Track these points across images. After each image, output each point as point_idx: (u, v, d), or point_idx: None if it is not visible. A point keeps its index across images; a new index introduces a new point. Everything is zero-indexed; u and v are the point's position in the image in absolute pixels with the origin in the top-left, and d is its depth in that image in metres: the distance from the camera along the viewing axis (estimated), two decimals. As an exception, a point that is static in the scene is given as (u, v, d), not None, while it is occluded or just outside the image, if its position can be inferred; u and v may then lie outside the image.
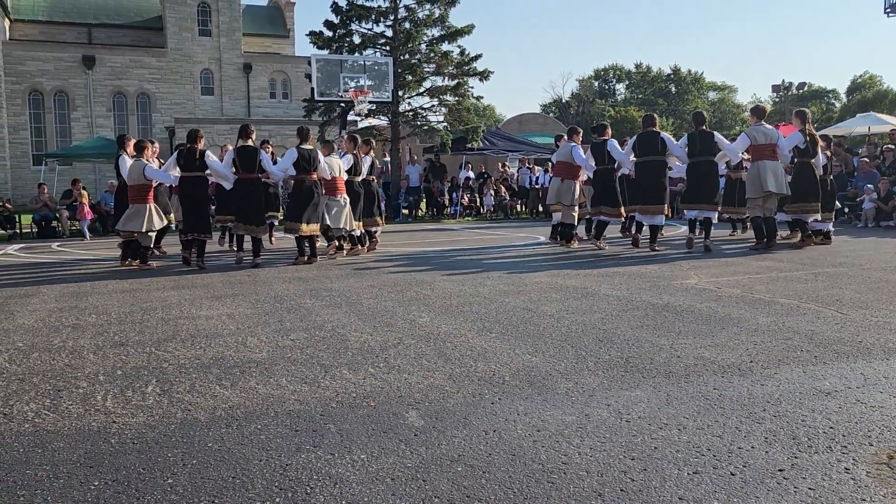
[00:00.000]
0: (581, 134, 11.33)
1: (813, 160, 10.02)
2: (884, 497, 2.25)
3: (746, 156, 10.51)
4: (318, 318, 5.45)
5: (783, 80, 45.37)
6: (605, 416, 3.06)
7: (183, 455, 2.69)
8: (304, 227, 9.16)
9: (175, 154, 9.20)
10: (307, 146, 9.31)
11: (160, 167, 9.53)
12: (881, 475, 2.42)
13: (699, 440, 2.76)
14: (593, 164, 10.69)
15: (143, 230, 9.03)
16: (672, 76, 75.12)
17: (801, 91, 51.23)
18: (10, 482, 2.48)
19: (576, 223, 10.99)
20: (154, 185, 9.28)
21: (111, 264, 9.76)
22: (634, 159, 10.30)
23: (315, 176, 9.27)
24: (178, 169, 9.11)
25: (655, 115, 10.73)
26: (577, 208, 10.81)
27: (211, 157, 9.19)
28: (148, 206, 9.11)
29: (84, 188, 17.26)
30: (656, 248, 10.02)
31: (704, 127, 10.14)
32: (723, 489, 2.32)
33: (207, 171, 9.06)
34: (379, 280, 7.54)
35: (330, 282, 7.49)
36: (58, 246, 13.78)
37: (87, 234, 15.74)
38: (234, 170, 9.07)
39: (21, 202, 20.87)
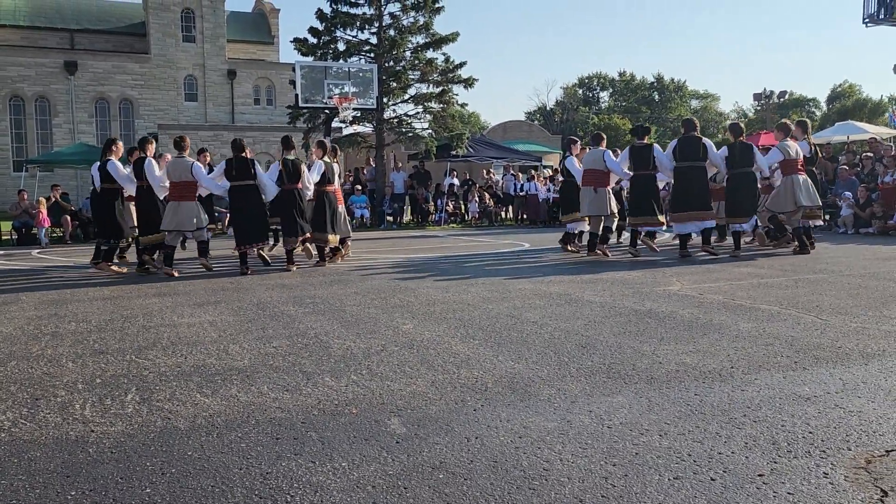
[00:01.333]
0: (604, 140, 11.01)
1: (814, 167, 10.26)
2: (861, 501, 2.27)
3: (772, 170, 10.45)
4: (301, 325, 5.43)
5: (765, 89, 45.86)
6: (586, 423, 3.06)
7: (162, 464, 2.67)
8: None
9: (224, 164, 9.29)
10: (291, 157, 9.43)
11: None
12: (859, 480, 2.44)
13: (680, 446, 2.77)
14: (626, 169, 10.25)
15: (195, 228, 9.08)
16: (655, 84, 75.75)
17: (782, 100, 51.71)
18: (-15, 492, 2.44)
19: (611, 232, 10.71)
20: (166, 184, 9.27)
21: (92, 272, 9.66)
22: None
23: (299, 185, 9.35)
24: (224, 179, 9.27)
25: (695, 119, 10.66)
26: (613, 217, 10.51)
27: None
28: (195, 203, 9.12)
29: (61, 196, 17.13)
30: (711, 249, 9.88)
31: (742, 138, 10.09)
32: (703, 494, 2.33)
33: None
34: (363, 287, 7.52)
35: (314, 289, 7.46)
36: (38, 253, 13.63)
37: (44, 241, 15.57)
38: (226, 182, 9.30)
39: (0, 209, 20.64)
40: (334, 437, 2.93)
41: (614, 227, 11.07)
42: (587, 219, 10.57)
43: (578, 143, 11.55)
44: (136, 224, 9.56)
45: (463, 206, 22.21)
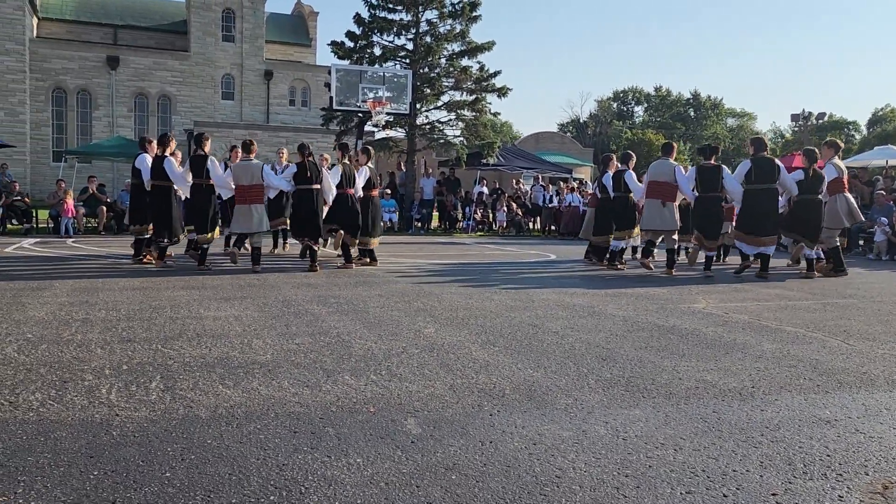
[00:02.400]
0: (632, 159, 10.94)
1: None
2: (875, 526, 2.25)
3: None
4: (324, 324, 5.49)
5: (803, 110, 45.18)
6: (601, 433, 3.07)
7: (182, 450, 2.73)
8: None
9: (296, 167, 9.46)
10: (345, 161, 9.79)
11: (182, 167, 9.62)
12: (875, 504, 2.41)
13: (694, 461, 2.77)
14: (692, 188, 9.90)
15: (261, 230, 9.23)
16: (691, 101, 75.13)
17: (820, 121, 50.98)
18: (12, 468, 2.52)
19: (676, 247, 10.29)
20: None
21: (123, 261, 9.85)
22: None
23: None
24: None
25: (765, 139, 10.47)
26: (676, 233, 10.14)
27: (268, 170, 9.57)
28: (261, 206, 9.27)
29: (98, 187, 17.49)
30: (766, 275, 9.61)
31: (817, 166, 9.89)
32: (714, 510, 2.33)
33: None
34: (387, 290, 7.58)
35: (338, 289, 7.53)
36: (72, 242, 13.92)
37: (71, 230, 15.87)
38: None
39: (39, 197, 21.14)
40: (351, 433, 2.98)
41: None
42: (644, 232, 10.25)
43: (615, 158, 11.44)
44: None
45: (491, 215, 22.22)
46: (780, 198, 10.01)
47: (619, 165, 10.94)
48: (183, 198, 9.73)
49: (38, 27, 35.57)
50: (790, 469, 2.72)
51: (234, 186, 9.31)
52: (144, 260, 9.65)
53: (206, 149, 9.41)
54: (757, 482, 2.58)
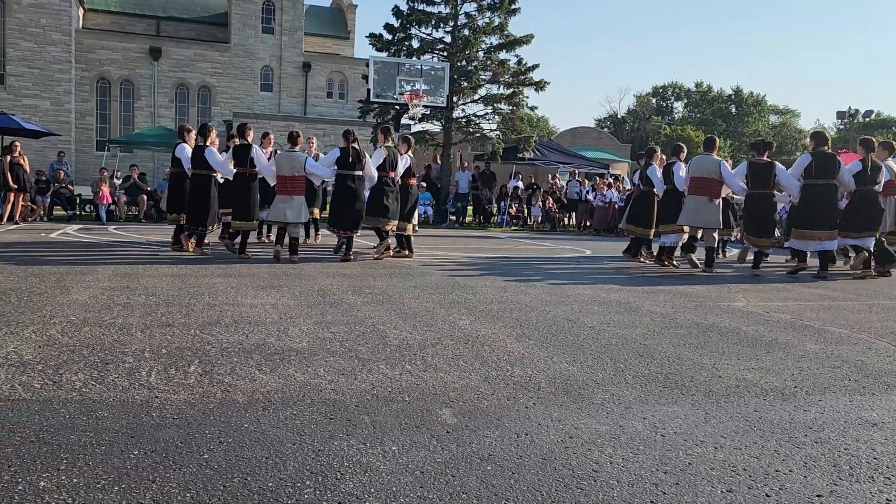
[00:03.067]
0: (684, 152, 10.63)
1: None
2: (926, 532, 2.18)
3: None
4: (360, 313, 5.51)
5: (849, 107, 44.15)
6: (639, 429, 3.02)
7: (220, 433, 2.75)
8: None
9: (339, 152, 9.47)
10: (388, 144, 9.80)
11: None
12: (925, 510, 2.34)
13: (735, 460, 2.71)
14: (742, 184, 9.77)
15: (300, 220, 9.30)
16: (733, 97, 73.82)
17: (867, 119, 49.75)
18: (55, 445, 2.56)
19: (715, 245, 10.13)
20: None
21: (163, 249, 10.02)
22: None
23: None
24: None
25: (827, 133, 10.16)
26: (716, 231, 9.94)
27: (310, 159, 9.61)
28: (301, 197, 9.35)
29: (139, 176, 17.82)
30: (825, 275, 9.43)
31: (874, 156, 9.60)
32: (756, 510, 2.28)
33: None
34: (421, 281, 7.58)
35: (373, 280, 7.56)
36: (114, 228, 14.20)
37: (104, 217, 16.18)
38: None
39: (83, 185, 21.59)
40: (386, 421, 2.97)
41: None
42: (687, 229, 9.98)
43: (659, 151, 11.24)
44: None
45: (526, 210, 22.11)
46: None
47: (662, 158, 10.77)
48: (222, 181, 9.82)
49: (83, 18, 36.29)
50: (835, 471, 2.64)
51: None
52: (182, 248, 9.78)
53: (250, 138, 9.52)
54: (800, 483, 2.51)
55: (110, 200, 16.69)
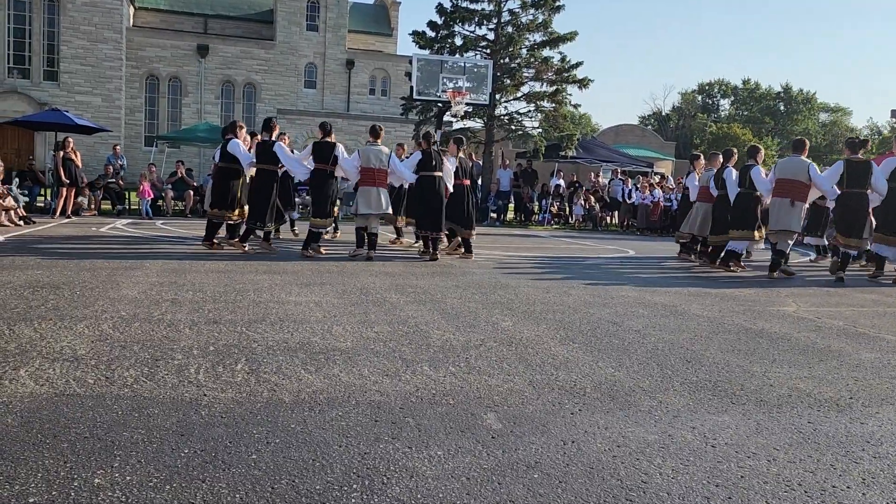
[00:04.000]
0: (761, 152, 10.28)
1: None
2: None
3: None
4: (403, 313, 5.51)
5: (903, 105, 42.71)
6: (689, 439, 2.96)
7: (267, 433, 2.78)
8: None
9: (421, 154, 9.72)
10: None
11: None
12: None
13: (790, 474, 2.63)
14: (833, 186, 9.42)
15: (378, 211, 9.46)
16: (782, 94, 72.11)
17: (922, 118, 48.02)
18: (108, 441, 2.61)
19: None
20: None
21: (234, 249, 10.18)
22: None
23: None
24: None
25: None
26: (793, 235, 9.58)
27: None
28: (385, 190, 9.58)
29: (185, 171, 18.17)
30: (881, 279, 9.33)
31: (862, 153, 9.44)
32: (813, 528, 2.21)
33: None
34: (463, 281, 7.57)
35: (415, 279, 7.57)
36: (162, 224, 14.49)
37: (149, 212, 16.46)
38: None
39: (132, 180, 22.09)
40: (431, 425, 2.97)
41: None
42: (766, 233, 9.68)
43: (721, 155, 10.91)
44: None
45: (567, 208, 21.94)
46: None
47: (719, 161, 10.59)
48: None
49: (133, 17, 37.10)
50: (895, 488, 2.55)
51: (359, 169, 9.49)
52: (214, 246, 9.65)
53: (332, 137, 9.58)
54: (859, 500, 2.43)
55: (152, 195, 17.01)
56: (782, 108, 71.81)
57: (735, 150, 10.86)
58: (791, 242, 9.55)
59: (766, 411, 3.40)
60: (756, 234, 9.83)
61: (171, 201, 17.60)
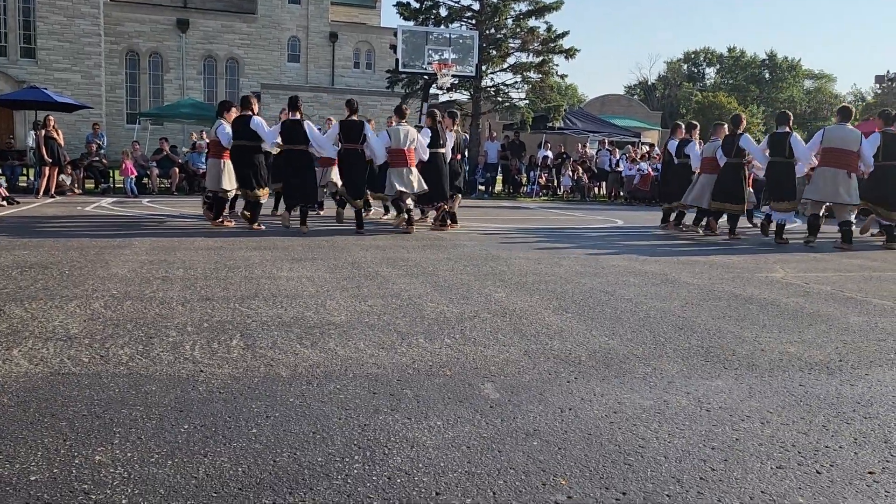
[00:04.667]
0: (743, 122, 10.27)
1: None
2: (984, 511, 2.14)
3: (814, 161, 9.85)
4: (395, 286, 5.52)
5: (888, 71, 42.87)
6: (684, 404, 3.00)
7: (266, 407, 2.79)
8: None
9: (430, 130, 9.74)
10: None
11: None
12: (982, 488, 2.29)
13: (783, 435, 2.68)
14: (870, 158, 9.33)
15: (420, 190, 9.55)
16: (767, 62, 72.00)
17: (906, 83, 48.25)
18: (107, 419, 2.61)
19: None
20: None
21: (195, 221, 10.12)
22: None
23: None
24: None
25: None
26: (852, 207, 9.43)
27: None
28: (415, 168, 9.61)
29: (170, 148, 17.99)
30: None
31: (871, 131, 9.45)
32: (808, 486, 2.25)
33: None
34: (455, 253, 7.57)
35: (406, 252, 7.57)
36: (147, 202, 14.37)
37: (134, 190, 16.28)
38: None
39: (115, 158, 21.82)
40: (429, 396, 2.99)
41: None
42: (814, 203, 9.48)
43: (725, 126, 10.83)
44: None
45: (555, 180, 21.92)
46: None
47: (724, 131, 10.55)
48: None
49: (111, -9, 36.37)
50: (886, 447, 2.60)
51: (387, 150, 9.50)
52: (221, 223, 9.62)
53: (255, 109, 9.46)
54: (851, 459, 2.48)
55: (136, 174, 16.80)
56: (767, 75, 71.76)
57: (743, 116, 10.76)
58: (854, 213, 9.48)
59: (758, 375, 3.45)
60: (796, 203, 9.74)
61: (156, 179, 17.42)
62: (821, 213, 9.55)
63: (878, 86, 54.65)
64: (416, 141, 9.55)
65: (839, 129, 9.36)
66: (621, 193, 20.85)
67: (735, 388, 3.24)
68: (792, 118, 9.69)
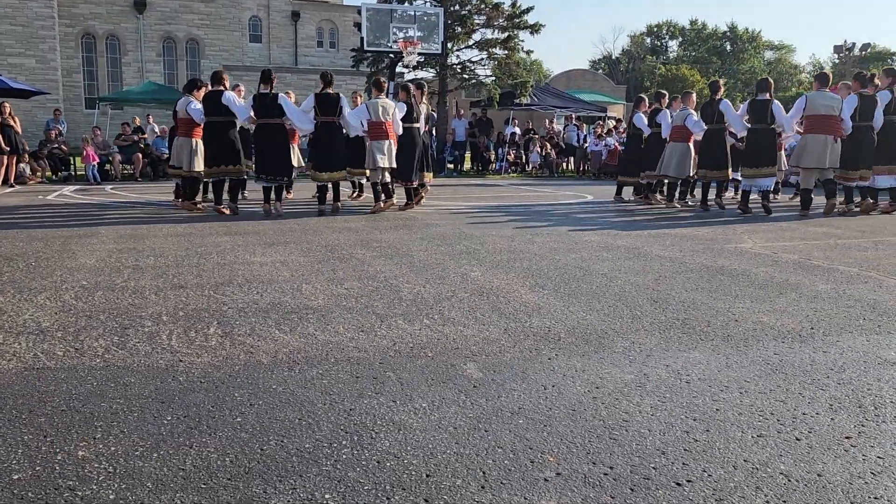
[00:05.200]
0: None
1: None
2: (957, 470, 2.21)
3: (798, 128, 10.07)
4: (371, 268, 5.50)
5: (845, 41, 43.55)
6: (664, 377, 3.04)
7: (249, 395, 2.76)
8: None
9: (405, 106, 9.68)
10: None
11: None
12: (953, 448, 2.37)
13: (762, 404, 2.73)
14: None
15: (392, 165, 9.57)
16: (728, 34, 72.62)
17: (863, 53, 49.07)
18: (87, 413, 2.57)
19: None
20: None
21: (163, 208, 9.95)
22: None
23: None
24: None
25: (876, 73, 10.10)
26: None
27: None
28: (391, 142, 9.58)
29: (137, 129, 17.62)
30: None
31: (869, 89, 9.69)
32: (788, 453, 2.30)
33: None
34: (428, 233, 7.56)
35: (379, 233, 7.53)
36: (111, 189, 14.08)
37: (97, 177, 15.97)
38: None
39: (75, 144, 21.30)
40: (412, 378, 2.99)
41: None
42: (807, 170, 9.63)
43: (693, 95, 11.11)
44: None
45: (524, 156, 21.95)
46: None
47: (693, 100, 10.75)
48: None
49: (63, -28, 35.27)
50: (861, 412, 2.67)
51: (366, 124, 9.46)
52: (196, 207, 9.53)
53: (227, 84, 9.26)
54: (828, 425, 2.54)
55: (97, 160, 16.43)
56: (729, 47, 72.42)
57: (721, 82, 10.86)
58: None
59: (734, 345, 3.51)
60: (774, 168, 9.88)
61: (118, 165, 17.06)
62: (813, 185, 9.75)
63: (836, 56, 55.46)
64: (394, 114, 9.50)
65: (821, 95, 9.47)
66: (588, 168, 20.96)
67: (712, 359, 3.30)
68: (773, 85, 9.75)
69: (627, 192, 12.19)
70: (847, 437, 2.44)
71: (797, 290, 4.83)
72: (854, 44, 44.98)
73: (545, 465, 2.20)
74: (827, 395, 2.84)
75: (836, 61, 58.13)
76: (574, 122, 22.93)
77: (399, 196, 10.39)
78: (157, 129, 18.38)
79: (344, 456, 2.25)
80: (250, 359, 3.22)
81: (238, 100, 9.25)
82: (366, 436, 2.40)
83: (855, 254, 6.38)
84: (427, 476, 2.12)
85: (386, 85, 9.78)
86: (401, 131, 9.71)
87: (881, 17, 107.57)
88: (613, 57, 73.30)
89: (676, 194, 11.07)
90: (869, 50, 56.41)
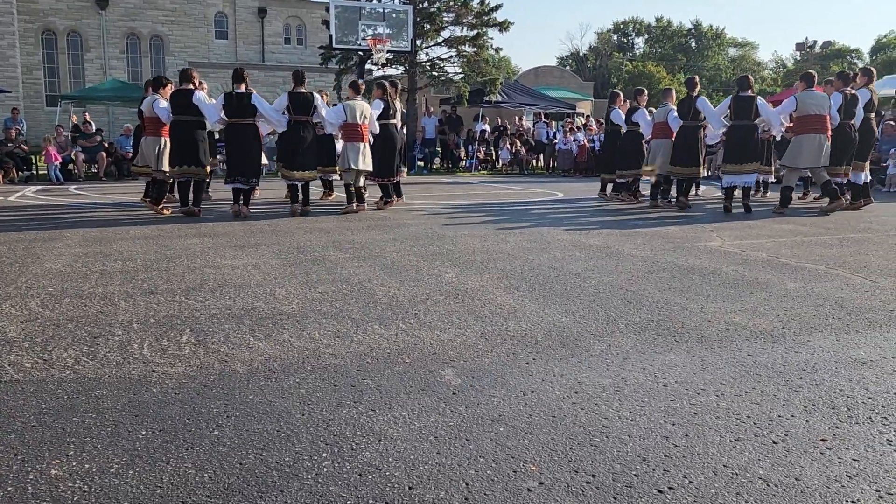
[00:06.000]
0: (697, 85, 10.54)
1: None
2: (928, 471, 2.25)
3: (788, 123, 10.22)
4: (344, 270, 5.45)
5: (806, 38, 44.33)
6: (641, 380, 3.06)
7: (226, 406, 2.72)
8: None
9: (382, 103, 9.74)
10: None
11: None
12: (924, 448, 2.41)
13: (738, 407, 2.77)
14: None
15: (367, 168, 9.56)
16: (693, 31, 73.49)
17: (824, 50, 50.03)
18: (59, 429, 2.51)
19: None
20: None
21: (129, 209, 9.77)
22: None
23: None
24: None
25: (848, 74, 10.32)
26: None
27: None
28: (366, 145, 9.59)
29: (98, 131, 17.26)
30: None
31: (849, 88, 9.88)
32: (766, 457, 2.33)
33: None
34: (400, 234, 7.53)
35: (352, 234, 7.48)
36: (74, 189, 13.80)
37: (59, 177, 15.67)
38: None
39: (36, 143, 20.80)
40: (390, 385, 2.97)
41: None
42: (796, 170, 9.79)
43: (674, 92, 11.24)
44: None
45: (494, 153, 22.00)
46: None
47: (673, 97, 10.87)
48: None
49: (22, -34, 34.40)
50: (834, 413, 2.72)
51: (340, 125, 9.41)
52: (163, 209, 9.31)
53: (196, 83, 9.11)
54: (804, 427, 2.58)
55: (59, 159, 16.09)
56: (693, 44, 73.28)
57: (696, 78, 10.88)
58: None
59: (708, 347, 3.55)
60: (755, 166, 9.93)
61: (82, 165, 16.72)
62: (794, 184, 9.94)
63: (798, 53, 56.43)
64: (370, 116, 9.46)
65: (810, 95, 9.51)
66: (556, 165, 21.08)
67: (688, 361, 3.33)
68: (752, 81, 9.87)
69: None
70: (822, 440, 2.47)
71: (767, 288, 4.90)
72: (815, 41, 45.78)
73: (528, 475, 2.20)
74: (801, 397, 2.88)
75: (798, 59, 59.16)
76: (543, 119, 23.03)
77: (374, 194, 10.35)
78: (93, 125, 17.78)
79: (325, 469, 2.22)
80: (225, 368, 3.17)
81: (208, 100, 9.10)
82: (346, 447, 2.38)
83: (821, 251, 6.50)
84: (410, 489, 2.11)
85: (363, 87, 9.75)
86: (377, 130, 9.67)
87: (839, 16, 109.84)
88: (581, 53, 73.74)
89: (659, 192, 11.17)
90: (829, 48, 57.54)
